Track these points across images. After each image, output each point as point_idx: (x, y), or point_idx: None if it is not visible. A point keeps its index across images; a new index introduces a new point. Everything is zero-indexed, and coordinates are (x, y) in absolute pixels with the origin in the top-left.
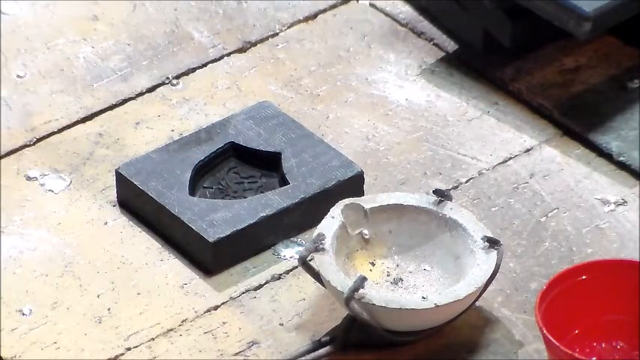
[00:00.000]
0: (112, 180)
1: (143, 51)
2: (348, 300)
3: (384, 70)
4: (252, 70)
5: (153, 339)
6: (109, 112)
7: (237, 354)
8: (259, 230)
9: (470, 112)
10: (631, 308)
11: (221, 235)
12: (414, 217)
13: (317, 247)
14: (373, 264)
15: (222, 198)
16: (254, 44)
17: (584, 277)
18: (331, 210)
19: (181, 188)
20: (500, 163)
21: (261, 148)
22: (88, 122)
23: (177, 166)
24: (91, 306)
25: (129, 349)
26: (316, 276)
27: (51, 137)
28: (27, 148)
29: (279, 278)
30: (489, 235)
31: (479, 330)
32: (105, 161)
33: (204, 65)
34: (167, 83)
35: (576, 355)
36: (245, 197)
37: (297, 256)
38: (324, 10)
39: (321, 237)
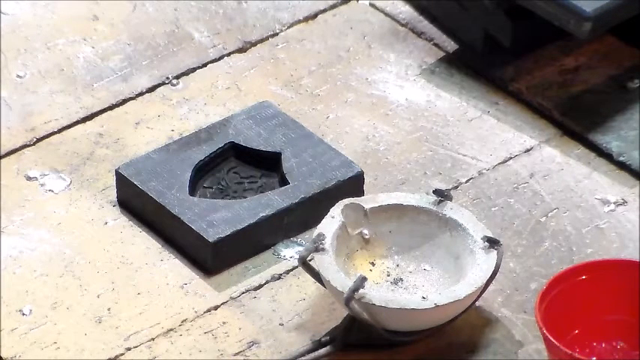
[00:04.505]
0: (112, 180)
1: (143, 51)
2: (348, 300)
3: (384, 70)
4: (252, 70)
5: (153, 339)
6: (109, 112)
7: (237, 354)
8: (259, 230)
9: (470, 112)
10: (631, 308)
11: (221, 235)
12: (414, 217)
13: (317, 247)
14: (373, 264)
15: (222, 198)
16: (254, 44)
17: (584, 277)
18: (331, 210)
19: (181, 188)
20: (500, 163)
21: (261, 148)
22: (88, 122)
23: (177, 166)
24: (91, 306)
25: (129, 349)
26: (316, 276)
27: (51, 137)
28: (27, 148)
29: (279, 278)
30: (489, 235)
31: (479, 330)
32: (105, 161)
33: (204, 65)
34: (167, 83)
35: (576, 355)
36: (245, 197)
37: (297, 256)
38: (324, 10)
39: (321, 237)
